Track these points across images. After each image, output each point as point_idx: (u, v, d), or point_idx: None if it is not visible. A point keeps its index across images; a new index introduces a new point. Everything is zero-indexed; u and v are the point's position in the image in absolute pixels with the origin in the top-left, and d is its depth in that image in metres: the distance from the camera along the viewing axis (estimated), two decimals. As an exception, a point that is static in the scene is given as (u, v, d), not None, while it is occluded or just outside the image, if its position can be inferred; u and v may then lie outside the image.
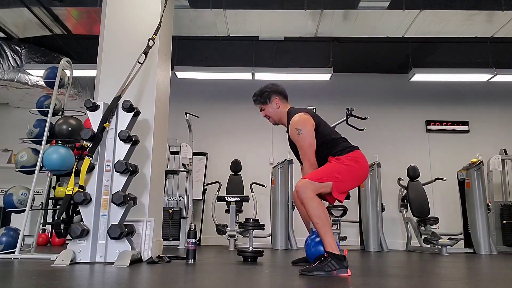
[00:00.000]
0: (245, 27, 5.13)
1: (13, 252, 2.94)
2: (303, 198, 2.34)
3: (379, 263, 3.50)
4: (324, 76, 6.01)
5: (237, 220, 5.09)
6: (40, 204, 3.40)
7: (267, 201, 5.83)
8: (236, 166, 6.00)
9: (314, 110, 2.91)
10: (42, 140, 3.26)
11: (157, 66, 3.18)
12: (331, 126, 2.92)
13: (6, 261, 2.75)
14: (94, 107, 2.79)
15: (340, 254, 2.26)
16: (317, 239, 2.47)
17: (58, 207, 4.08)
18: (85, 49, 5.81)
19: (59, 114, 3.55)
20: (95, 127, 2.74)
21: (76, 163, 2.92)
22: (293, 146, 2.70)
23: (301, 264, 2.62)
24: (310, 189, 2.34)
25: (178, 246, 4.91)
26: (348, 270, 2.23)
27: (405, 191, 5.60)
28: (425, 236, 5.15)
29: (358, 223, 5.58)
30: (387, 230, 5.53)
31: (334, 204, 2.72)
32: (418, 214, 5.35)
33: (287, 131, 2.73)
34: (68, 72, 3.80)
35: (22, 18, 5.01)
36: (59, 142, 3.40)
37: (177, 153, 5.68)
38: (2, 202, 3.25)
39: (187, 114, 5.46)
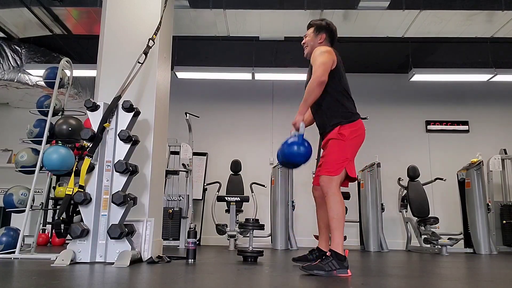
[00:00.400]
0: (245, 27, 5.13)
1: (13, 252, 2.95)
2: (327, 193, 2.40)
3: (379, 263, 3.50)
4: (324, 76, 6.00)
5: (237, 220, 5.09)
6: (40, 204, 3.40)
7: (267, 201, 5.83)
8: (236, 166, 6.00)
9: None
10: (42, 140, 3.26)
11: (157, 66, 3.18)
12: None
13: (6, 261, 2.75)
14: (94, 107, 2.79)
15: (342, 254, 2.26)
16: (290, 140, 2.43)
17: (58, 207, 4.08)
18: (85, 49, 5.81)
19: (59, 114, 3.55)
20: (95, 127, 2.74)
21: (76, 163, 2.92)
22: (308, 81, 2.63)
23: (301, 262, 2.62)
24: (334, 184, 2.40)
25: (178, 246, 4.91)
26: (348, 270, 2.24)
27: (405, 191, 5.60)
28: (425, 236, 5.15)
29: (358, 223, 5.59)
30: (387, 230, 5.53)
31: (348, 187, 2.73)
32: (418, 214, 5.35)
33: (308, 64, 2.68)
34: (68, 72, 3.80)
35: (22, 18, 5.01)
36: (59, 142, 3.40)
37: (177, 153, 5.69)
38: (2, 202, 3.25)
39: (187, 114, 5.46)
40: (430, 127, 6.71)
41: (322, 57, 2.55)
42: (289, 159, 2.49)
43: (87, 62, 5.42)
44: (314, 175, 2.81)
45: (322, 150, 2.70)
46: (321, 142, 2.70)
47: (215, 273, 2.43)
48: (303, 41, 2.85)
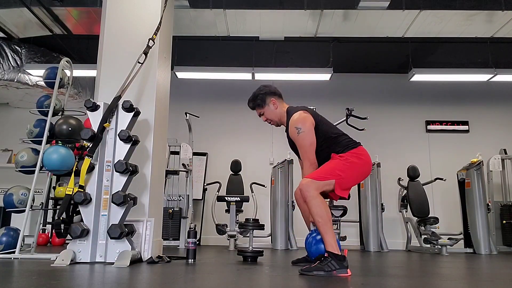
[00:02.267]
0: (245, 27, 5.13)
1: (13, 252, 2.95)
2: (306, 197, 2.34)
3: (379, 263, 3.50)
4: (324, 76, 6.01)
5: (237, 220, 5.09)
6: (40, 204, 3.40)
7: (267, 201, 5.83)
8: (236, 166, 6.00)
9: (314, 110, 2.91)
10: (42, 140, 3.26)
11: (157, 66, 3.18)
12: (331, 125, 2.90)
13: (6, 261, 2.75)
14: (94, 107, 2.79)
15: (340, 254, 2.26)
16: (318, 237, 2.47)
17: (58, 207, 4.08)
18: (85, 49, 5.81)
19: (59, 114, 3.55)
20: (95, 127, 2.74)
21: (76, 163, 2.92)
22: (293, 145, 2.69)
23: (301, 264, 2.61)
24: (313, 188, 2.34)
25: (178, 246, 4.91)
26: (348, 270, 2.24)
27: (405, 191, 5.60)
28: (425, 236, 5.15)
29: (358, 223, 5.58)
30: (387, 230, 5.53)
31: (337, 201, 2.72)
32: (418, 214, 5.35)
33: (286, 130, 2.71)
34: (68, 72, 3.80)
35: (22, 18, 5.01)
36: (59, 142, 3.40)
37: (177, 153, 5.68)
38: (2, 202, 3.25)
39: (187, 114, 5.46)
40: (430, 127, 6.71)
41: (304, 138, 2.54)
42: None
43: (87, 62, 5.42)
44: None
45: None
46: None
47: (215, 273, 2.43)
48: (264, 120, 2.84)
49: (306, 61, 6.39)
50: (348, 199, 2.62)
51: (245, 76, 6.02)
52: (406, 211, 5.65)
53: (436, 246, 4.91)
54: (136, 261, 2.66)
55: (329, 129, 2.65)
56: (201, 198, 6.22)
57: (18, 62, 5.55)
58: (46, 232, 4.82)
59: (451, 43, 5.90)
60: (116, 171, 2.67)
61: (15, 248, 2.97)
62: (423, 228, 5.28)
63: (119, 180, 2.69)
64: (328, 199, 2.93)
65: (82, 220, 2.63)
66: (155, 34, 3.10)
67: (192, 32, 5.27)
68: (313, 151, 2.54)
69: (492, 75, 5.75)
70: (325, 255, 2.26)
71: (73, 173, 2.74)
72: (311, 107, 3.12)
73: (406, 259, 4.10)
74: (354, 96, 6.69)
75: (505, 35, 5.16)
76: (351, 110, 4.41)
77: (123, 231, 2.56)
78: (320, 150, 2.57)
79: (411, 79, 5.94)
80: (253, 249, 3.34)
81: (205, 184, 6.28)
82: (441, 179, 5.77)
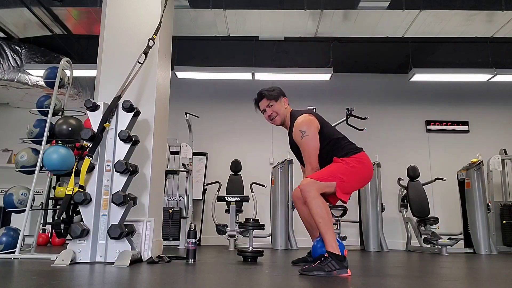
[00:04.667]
0: (245, 27, 5.13)
1: (13, 252, 2.95)
2: (307, 197, 2.33)
3: (379, 263, 3.50)
4: (324, 76, 6.01)
5: (237, 220, 5.09)
6: (40, 204, 3.39)
7: (267, 201, 5.83)
8: (236, 166, 6.00)
9: (314, 110, 2.91)
10: (42, 140, 3.26)
11: (157, 66, 3.18)
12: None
13: (6, 261, 2.75)
14: (94, 107, 2.79)
15: (340, 254, 2.26)
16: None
17: (58, 207, 4.08)
18: (85, 49, 5.81)
19: (59, 114, 3.55)
20: (95, 127, 2.74)
21: (76, 163, 2.92)
22: (295, 148, 2.68)
23: (301, 264, 2.61)
24: (314, 188, 2.33)
25: (178, 246, 4.91)
26: (348, 270, 2.24)
27: (405, 191, 5.60)
28: (425, 236, 5.15)
29: (358, 223, 5.58)
30: (387, 230, 5.53)
31: (336, 204, 2.72)
32: (418, 214, 5.35)
33: (289, 133, 2.70)
34: (68, 72, 3.80)
35: (22, 18, 5.01)
36: (59, 142, 3.40)
37: (177, 153, 5.68)
38: (2, 202, 3.25)
39: (187, 114, 5.46)
40: (430, 127, 6.71)
41: (308, 142, 2.53)
42: None
43: (87, 62, 5.41)
44: None
45: None
46: None
47: (215, 273, 2.43)
48: (268, 115, 2.77)
49: (306, 61, 6.39)
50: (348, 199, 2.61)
51: (245, 76, 6.02)
52: (406, 211, 5.65)
53: (436, 246, 4.91)
54: (136, 261, 2.66)
55: (333, 132, 2.65)
56: (201, 198, 6.22)
57: (18, 62, 5.55)
58: (46, 232, 4.83)
59: (451, 43, 5.90)
60: (116, 171, 2.67)
61: (15, 248, 2.97)
62: (423, 228, 5.28)
63: (119, 180, 2.69)
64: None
65: (82, 220, 2.63)
66: (155, 34, 3.10)
67: (192, 32, 5.27)
68: (316, 156, 2.54)
69: (492, 75, 5.75)
70: (325, 255, 2.26)
71: (73, 173, 2.74)
72: (311, 107, 3.12)
73: (406, 259, 4.10)
74: (354, 96, 6.69)
75: (505, 35, 5.16)
76: (351, 110, 4.42)
77: (123, 231, 2.56)
78: (322, 153, 2.56)
79: (411, 79, 5.94)
80: (253, 249, 3.34)
81: (205, 184, 6.28)
82: (441, 179, 5.77)
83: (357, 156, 2.54)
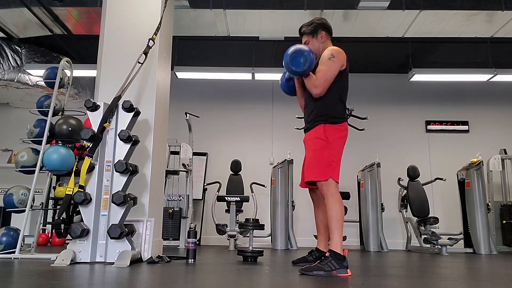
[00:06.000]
0: (245, 27, 5.13)
1: (13, 252, 2.95)
2: (326, 194, 2.44)
3: (379, 263, 3.50)
4: (324, 76, 6.00)
5: (237, 220, 5.09)
6: (40, 204, 3.40)
7: (267, 201, 5.83)
8: (236, 166, 6.00)
9: None
10: (42, 140, 3.26)
11: (157, 66, 3.19)
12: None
13: (6, 261, 2.75)
14: (94, 107, 2.79)
15: (342, 254, 2.26)
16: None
17: (58, 207, 4.08)
18: (85, 49, 5.81)
19: (59, 114, 3.55)
20: (95, 127, 2.74)
21: (76, 163, 2.92)
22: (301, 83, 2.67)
23: (301, 264, 2.62)
24: (332, 186, 2.44)
25: (178, 246, 4.91)
26: (348, 270, 2.24)
27: (405, 191, 5.60)
28: (425, 236, 5.15)
29: (358, 223, 5.59)
30: (387, 230, 5.53)
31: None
32: (418, 214, 5.35)
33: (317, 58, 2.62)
34: (68, 72, 3.80)
35: (22, 18, 5.01)
36: (59, 142, 3.40)
37: (177, 153, 5.68)
38: (2, 202, 3.25)
39: (187, 114, 5.46)
40: (430, 127, 6.71)
41: (330, 66, 2.50)
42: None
43: (87, 62, 5.42)
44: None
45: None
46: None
47: (215, 273, 2.43)
48: None
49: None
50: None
51: (245, 76, 6.02)
52: (406, 211, 5.65)
53: (436, 246, 4.92)
54: (136, 261, 2.66)
55: (343, 91, 2.61)
56: (201, 198, 6.22)
57: (18, 62, 5.55)
58: (46, 232, 4.83)
59: (451, 43, 5.90)
60: (116, 171, 2.67)
61: (15, 248, 2.97)
62: (423, 228, 5.28)
63: (119, 180, 2.69)
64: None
65: (82, 220, 2.63)
66: (155, 34, 3.10)
67: (192, 32, 5.27)
68: (325, 85, 2.50)
69: (492, 75, 5.74)
70: (326, 255, 2.27)
71: (73, 173, 2.74)
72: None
73: (406, 259, 4.10)
74: (354, 96, 6.64)
75: (505, 35, 5.16)
76: (351, 110, 4.40)
77: (123, 231, 2.56)
78: (327, 90, 2.53)
79: (411, 79, 5.94)
80: (253, 249, 3.34)
81: (205, 184, 6.28)
82: (441, 179, 5.77)
83: (339, 126, 2.53)
